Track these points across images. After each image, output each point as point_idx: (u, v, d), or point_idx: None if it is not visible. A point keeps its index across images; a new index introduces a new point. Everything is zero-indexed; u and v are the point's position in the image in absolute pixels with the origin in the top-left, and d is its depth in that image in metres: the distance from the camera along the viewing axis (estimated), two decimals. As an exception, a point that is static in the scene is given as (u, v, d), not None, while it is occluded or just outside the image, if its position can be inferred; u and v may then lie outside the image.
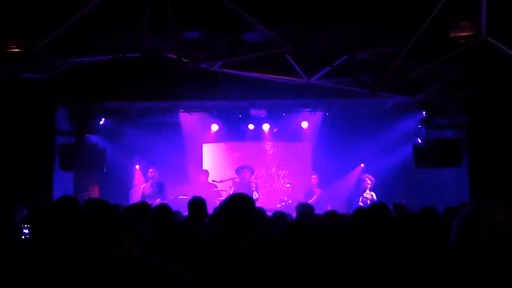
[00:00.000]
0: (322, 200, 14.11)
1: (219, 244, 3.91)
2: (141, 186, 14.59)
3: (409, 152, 13.39)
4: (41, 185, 12.01)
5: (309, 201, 13.18)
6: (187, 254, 4.37)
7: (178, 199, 13.38)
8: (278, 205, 14.27)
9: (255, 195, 14.00)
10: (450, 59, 9.55)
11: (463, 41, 8.92)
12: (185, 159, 16.16)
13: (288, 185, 14.99)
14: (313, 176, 15.16)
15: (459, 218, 2.54)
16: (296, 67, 10.65)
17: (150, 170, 14.35)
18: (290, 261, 4.76)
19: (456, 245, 2.50)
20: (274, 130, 15.99)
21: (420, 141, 13.21)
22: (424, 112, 13.18)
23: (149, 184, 14.26)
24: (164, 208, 6.76)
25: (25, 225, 4.95)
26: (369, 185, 14.03)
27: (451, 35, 8.90)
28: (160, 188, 14.09)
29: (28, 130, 12.00)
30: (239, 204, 4.07)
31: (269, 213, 8.01)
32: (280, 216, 7.75)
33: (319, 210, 9.17)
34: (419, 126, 13.36)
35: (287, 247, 5.05)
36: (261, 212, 6.72)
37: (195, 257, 4.01)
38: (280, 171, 16.35)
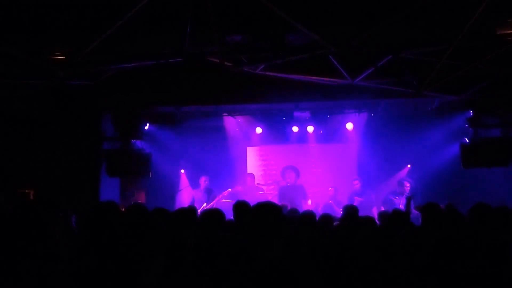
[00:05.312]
0: (367, 204, 13.86)
1: (249, 251, 3.90)
2: (191, 192, 14.53)
3: (457, 152, 13.15)
4: (89, 191, 12.16)
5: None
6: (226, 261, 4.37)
7: (221, 203, 13.31)
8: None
9: (307, 200, 13.82)
10: (497, 56, 9.39)
11: (510, 38, 8.76)
12: (230, 162, 16.17)
13: (330, 188, 14.66)
14: (355, 182, 14.78)
15: None
16: (340, 68, 10.59)
17: (203, 178, 14.19)
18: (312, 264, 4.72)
19: None
20: (320, 132, 15.84)
21: (467, 140, 12.97)
22: (471, 111, 12.94)
23: (199, 190, 14.16)
24: (216, 213, 6.48)
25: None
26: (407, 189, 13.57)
27: (498, 32, 8.74)
28: (208, 193, 14.02)
29: (75, 137, 12.18)
30: (265, 213, 4.07)
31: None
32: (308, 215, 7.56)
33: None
34: (466, 126, 13.12)
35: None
36: (310, 216, 6.77)
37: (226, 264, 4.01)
38: (325, 174, 16.21)
